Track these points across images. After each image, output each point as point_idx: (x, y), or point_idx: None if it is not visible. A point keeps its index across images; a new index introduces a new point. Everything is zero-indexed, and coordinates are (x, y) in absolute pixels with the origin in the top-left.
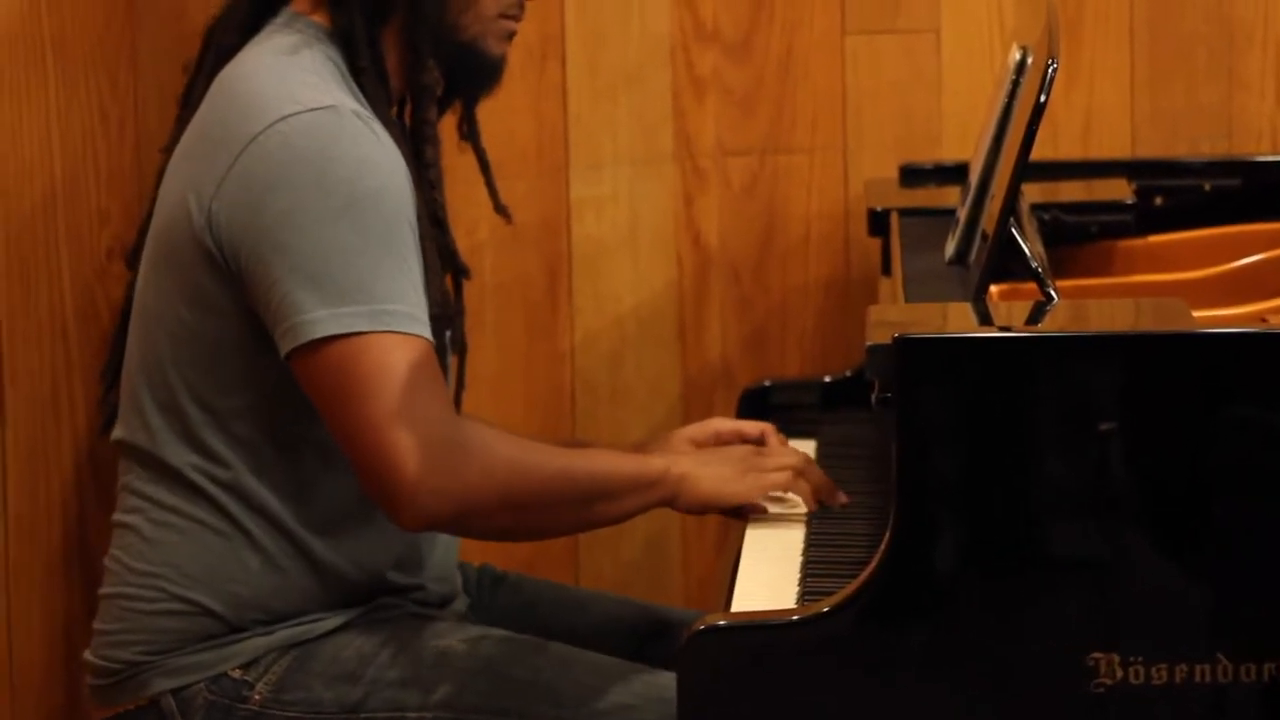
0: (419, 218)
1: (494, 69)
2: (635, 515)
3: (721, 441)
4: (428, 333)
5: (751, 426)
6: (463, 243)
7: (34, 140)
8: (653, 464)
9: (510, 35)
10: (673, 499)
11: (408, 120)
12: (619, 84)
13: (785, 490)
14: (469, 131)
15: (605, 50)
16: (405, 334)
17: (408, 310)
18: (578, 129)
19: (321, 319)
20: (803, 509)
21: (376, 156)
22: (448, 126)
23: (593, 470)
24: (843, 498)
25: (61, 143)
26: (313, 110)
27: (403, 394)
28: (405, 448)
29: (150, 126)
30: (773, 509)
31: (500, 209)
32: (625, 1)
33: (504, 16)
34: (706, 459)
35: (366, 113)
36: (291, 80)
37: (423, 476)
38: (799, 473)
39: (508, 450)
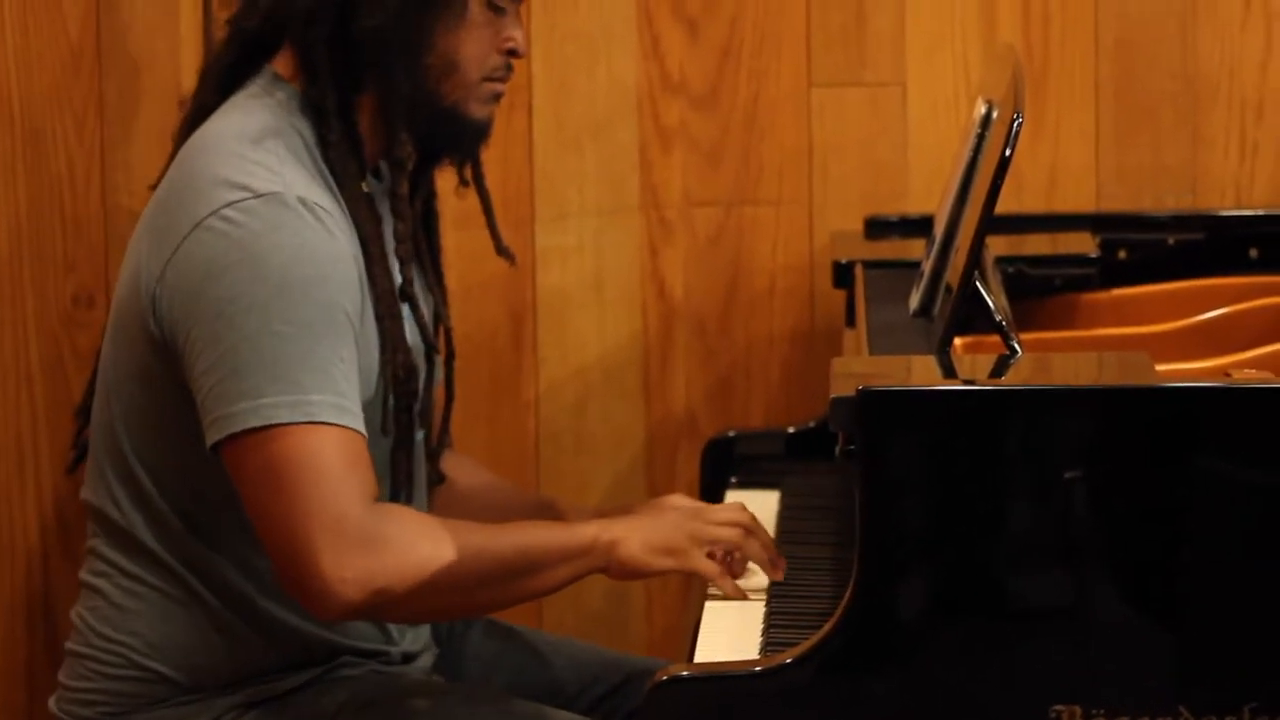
0: (383, 289)
1: (478, 133)
2: (568, 584)
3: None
4: (353, 421)
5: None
6: None
7: None
8: (582, 533)
9: (497, 97)
10: (604, 567)
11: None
12: (585, 134)
13: (732, 550)
14: (475, 175)
15: (572, 101)
16: (327, 424)
17: (333, 400)
18: (543, 179)
19: (241, 411)
20: (760, 580)
21: (314, 244)
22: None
23: (517, 545)
24: (778, 572)
25: (27, 190)
26: (258, 197)
27: (317, 485)
28: (318, 542)
29: (117, 174)
30: (726, 585)
31: (503, 250)
32: (592, 52)
33: (488, 80)
34: (641, 523)
35: (318, 197)
36: (245, 164)
37: (334, 569)
38: (747, 531)
39: (425, 537)
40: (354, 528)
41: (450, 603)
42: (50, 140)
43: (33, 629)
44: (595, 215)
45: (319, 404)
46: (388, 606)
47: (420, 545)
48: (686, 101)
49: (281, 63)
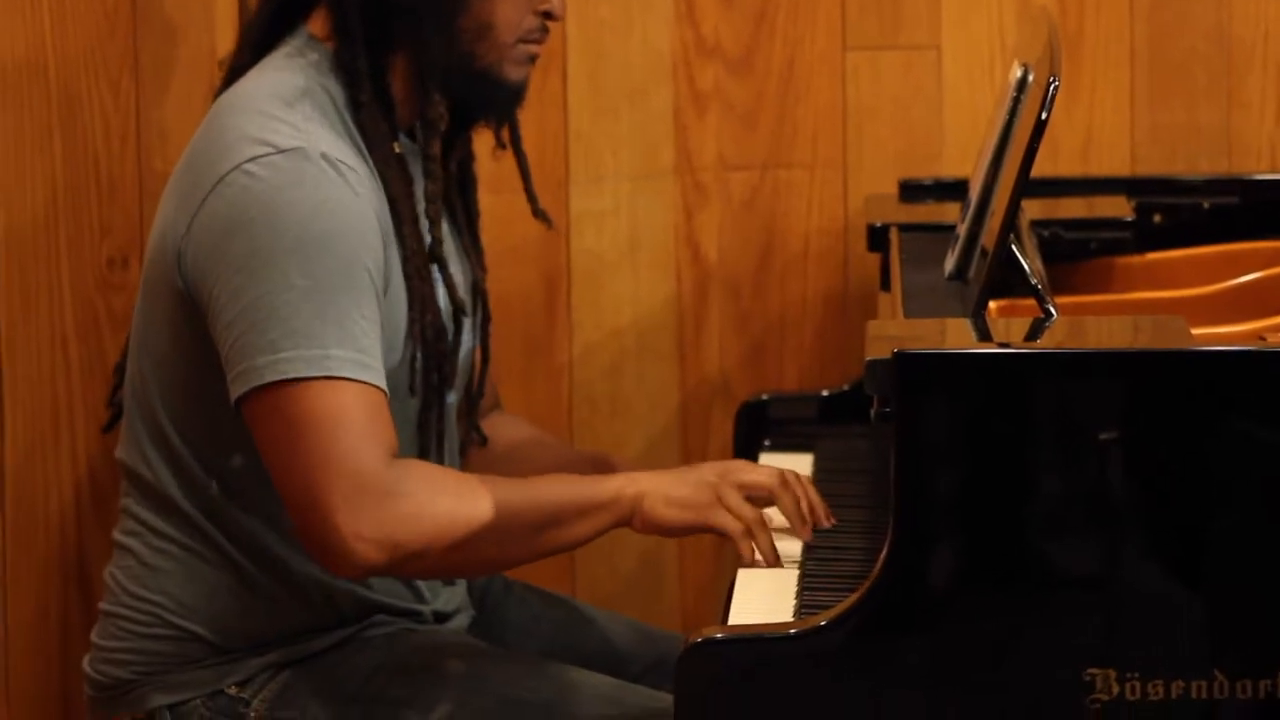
0: (412, 250)
1: (513, 95)
2: (593, 538)
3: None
4: (374, 377)
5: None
6: None
7: (35, 150)
8: (606, 486)
9: (532, 59)
10: (629, 520)
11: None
12: (620, 99)
13: (763, 500)
14: (512, 137)
15: (606, 65)
16: (346, 379)
17: (352, 355)
18: (578, 143)
19: (261, 366)
20: (790, 546)
21: (335, 198)
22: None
23: (539, 500)
24: (828, 520)
25: (63, 153)
26: (280, 152)
27: (335, 441)
28: (335, 496)
29: (152, 137)
30: (744, 547)
31: (539, 213)
32: (627, 16)
33: (524, 41)
34: (667, 478)
35: (343, 155)
36: (270, 121)
37: (352, 525)
38: (783, 483)
39: (444, 492)
40: (371, 483)
41: (473, 557)
42: (85, 104)
43: (67, 589)
44: (630, 179)
45: (338, 359)
46: (407, 562)
47: (439, 500)
48: (721, 65)
49: (316, 23)
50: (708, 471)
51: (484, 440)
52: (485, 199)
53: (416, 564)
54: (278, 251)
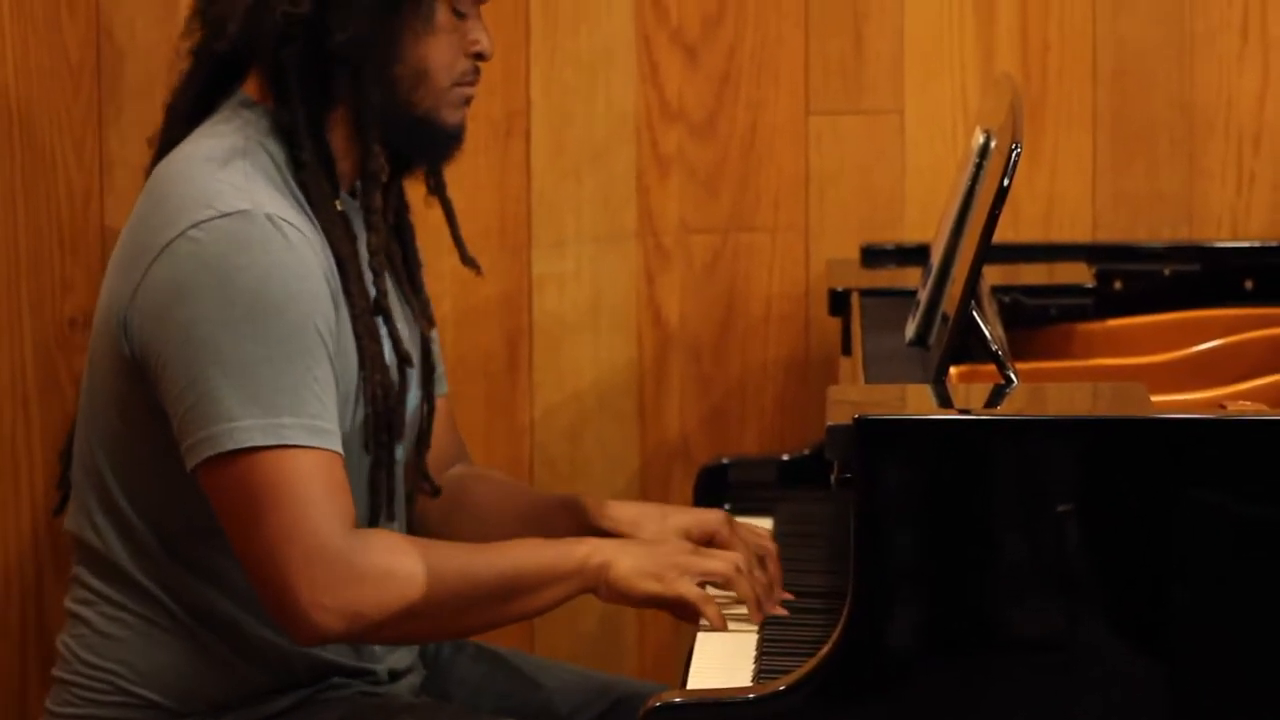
0: (360, 308)
1: (452, 139)
2: (558, 605)
3: (715, 544)
4: (331, 442)
5: (753, 541)
6: None
7: None
8: (573, 554)
9: (467, 101)
10: (594, 589)
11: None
12: (583, 161)
13: (720, 585)
14: (435, 185)
15: (570, 127)
16: (305, 447)
17: (307, 422)
18: (541, 205)
19: (217, 434)
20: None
21: (285, 262)
22: (415, 185)
23: (502, 568)
24: (780, 607)
25: (26, 211)
26: (225, 216)
27: (293, 510)
28: (295, 568)
29: (113, 197)
30: (710, 611)
31: (468, 260)
32: (591, 79)
33: (458, 85)
34: (634, 549)
35: (288, 214)
36: (211, 182)
37: (311, 595)
38: (739, 570)
39: (405, 561)
40: (332, 554)
41: (434, 627)
42: (49, 161)
43: (25, 653)
44: (592, 242)
45: (292, 426)
46: (368, 631)
47: (400, 572)
48: (685, 129)
49: (250, 86)
50: (674, 546)
51: (435, 491)
52: (449, 261)
53: (377, 633)
54: (230, 319)
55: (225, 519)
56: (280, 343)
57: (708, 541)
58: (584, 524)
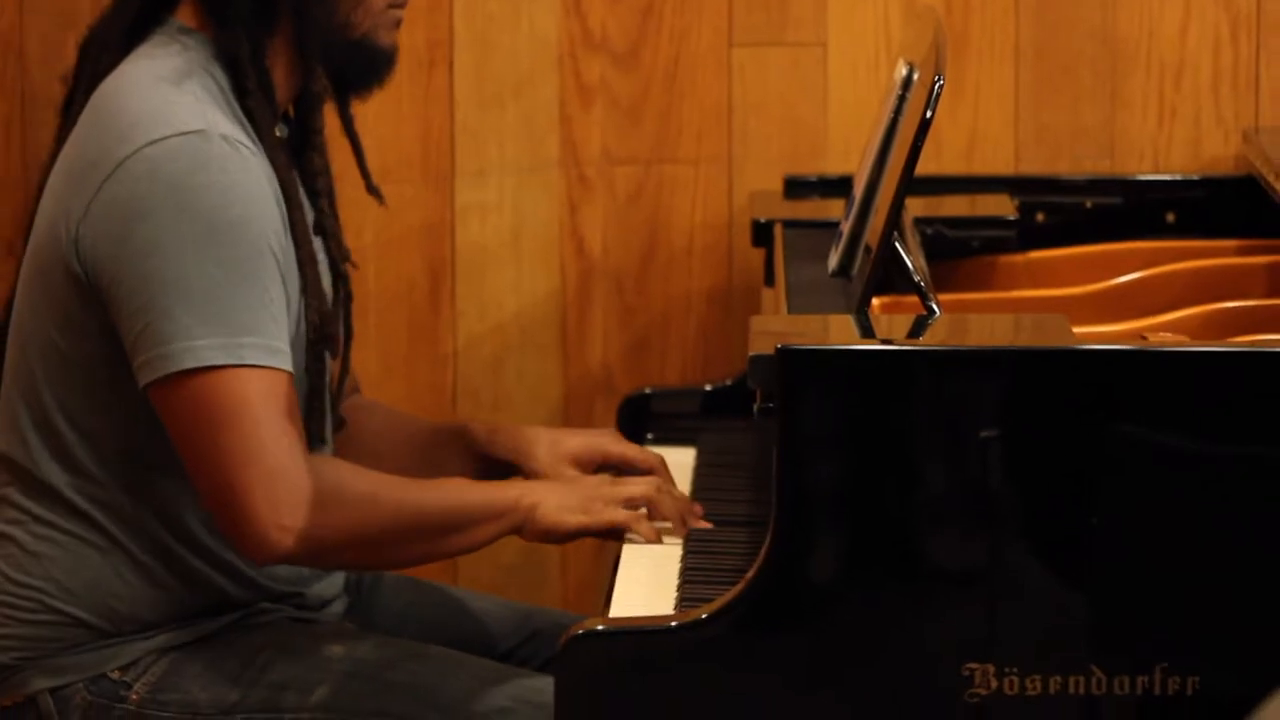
0: (302, 232)
1: (387, 60)
2: (488, 544)
3: (608, 466)
4: (285, 363)
5: (642, 458)
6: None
7: None
8: (506, 493)
9: (398, 24)
10: (519, 528)
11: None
12: (506, 91)
13: (641, 513)
14: (344, 116)
15: (493, 57)
16: (261, 367)
17: (265, 342)
18: (464, 135)
19: (175, 352)
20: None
21: (242, 182)
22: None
23: (444, 504)
24: (702, 520)
25: None
26: (181, 135)
27: (253, 431)
28: (253, 485)
29: (39, 130)
30: (643, 528)
31: (373, 190)
32: (514, 9)
33: (392, 6)
34: (559, 488)
35: (239, 136)
36: (165, 101)
37: (270, 514)
38: (660, 490)
39: (357, 488)
40: (294, 477)
41: (379, 555)
42: None
43: None
44: (515, 172)
45: (250, 346)
46: (322, 555)
47: (354, 499)
48: (608, 59)
49: (184, 13)
50: (594, 485)
51: (342, 423)
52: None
53: (330, 556)
54: (188, 237)
55: (179, 438)
56: (238, 263)
57: (602, 461)
58: (474, 451)
